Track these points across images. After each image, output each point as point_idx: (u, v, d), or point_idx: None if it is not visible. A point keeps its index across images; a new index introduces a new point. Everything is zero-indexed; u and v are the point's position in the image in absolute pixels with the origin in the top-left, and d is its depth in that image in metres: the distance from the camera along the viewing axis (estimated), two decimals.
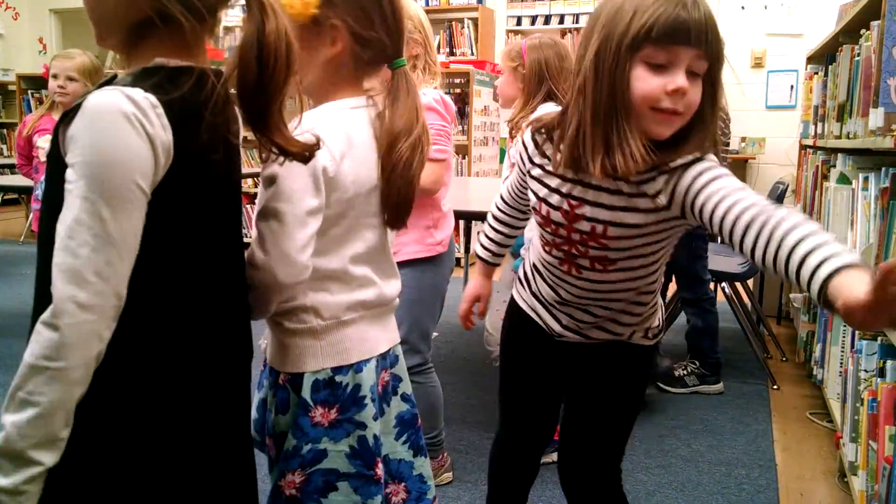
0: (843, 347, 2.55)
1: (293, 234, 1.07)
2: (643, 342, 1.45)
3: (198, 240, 0.97)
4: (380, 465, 1.22)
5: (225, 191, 1.02)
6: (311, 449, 1.17)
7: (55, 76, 3.07)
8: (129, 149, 0.84)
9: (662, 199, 1.20)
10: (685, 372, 3.12)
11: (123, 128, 0.83)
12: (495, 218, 1.64)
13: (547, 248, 1.39)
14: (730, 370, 3.23)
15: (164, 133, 0.87)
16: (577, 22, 6.92)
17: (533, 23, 7.13)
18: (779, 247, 1.00)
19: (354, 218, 1.18)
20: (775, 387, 3.16)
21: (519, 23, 7.15)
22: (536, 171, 1.36)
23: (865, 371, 2.10)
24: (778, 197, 3.42)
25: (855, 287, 0.85)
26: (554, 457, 2.36)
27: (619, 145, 1.17)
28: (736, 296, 3.46)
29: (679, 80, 1.14)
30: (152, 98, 0.86)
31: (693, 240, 2.99)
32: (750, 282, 3.79)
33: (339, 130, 1.15)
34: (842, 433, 2.33)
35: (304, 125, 1.08)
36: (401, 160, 1.18)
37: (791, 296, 3.81)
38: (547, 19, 7.06)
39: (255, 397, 1.28)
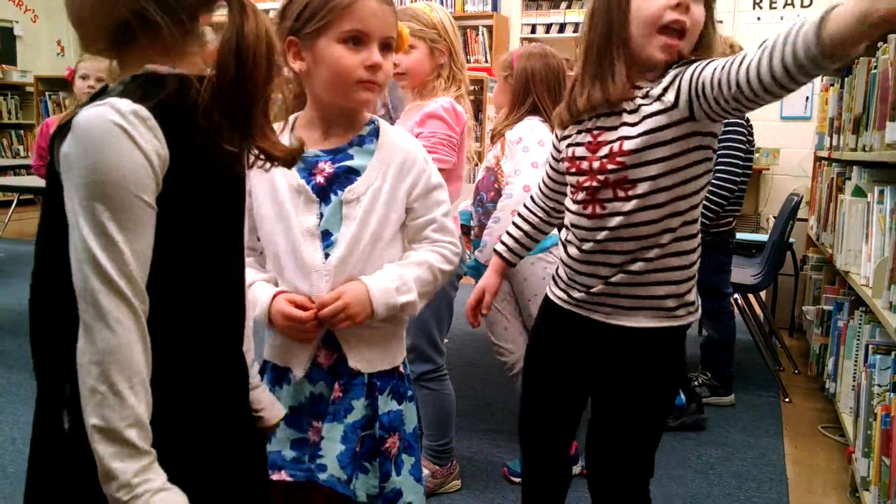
0: (855, 361, 2.53)
1: None
2: (676, 319, 1.40)
3: (201, 245, 0.96)
4: None
5: (228, 197, 1.00)
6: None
7: (85, 76, 3.10)
8: (124, 163, 0.83)
9: (670, 96, 1.27)
10: (696, 383, 3.10)
11: (116, 143, 0.83)
12: (521, 216, 1.67)
13: (573, 196, 1.43)
14: (741, 382, 3.21)
15: (157, 143, 0.85)
16: None
17: (548, 31, 7.13)
18: (775, 40, 1.09)
19: None
20: (787, 399, 3.14)
21: (533, 31, 7.15)
22: (565, 139, 1.45)
23: (879, 385, 2.08)
24: (792, 209, 3.40)
25: None
26: (577, 470, 2.37)
27: (609, 74, 1.31)
28: (748, 307, 3.45)
29: None
30: (142, 109, 0.85)
31: (717, 253, 2.99)
32: (763, 293, 3.77)
33: None
34: (854, 448, 2.31)
35: (416, 141, 1.37)
36: None
37: (804, 308, 3.78)
38: (562, 27, 7.06)
39: (336, 431, 1.29)
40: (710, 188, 2.92)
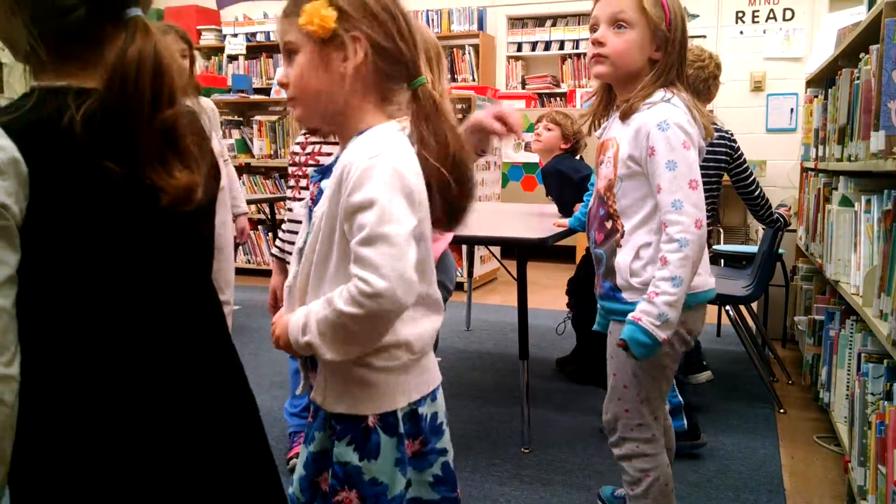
0: (848, 370, 2.53)
1: (406, 254, 1.05)
2: None
3: (82, 279, 0.90)
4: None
5: (134, 227, 0.93)
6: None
7: None
8: None
9: None
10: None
11: None
12: None
13: None
14: (736, 393, 3.21)
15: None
16: (576, 48, 6.98)
17: (533, 48, 7.18)
18: None
19: (428, 239, 1.19)
20: (782, 410, 3.14)
21: (519, 49, 7.21)
22: None
23: (872, 394, 2.08)
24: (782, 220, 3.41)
25: None
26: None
27: None
28: (740, 319, 3.45)
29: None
30: None
31: None
32: (754, 305, 3.78)
33: (410, 152, 1.15)
34: (850, 457, 2.30)
35: (372, 150, 1.09)
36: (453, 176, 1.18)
37: (796, 318, 3.79)
38: (547, 45, 7.12)
39: (303, 453, 1.27)
40: None
